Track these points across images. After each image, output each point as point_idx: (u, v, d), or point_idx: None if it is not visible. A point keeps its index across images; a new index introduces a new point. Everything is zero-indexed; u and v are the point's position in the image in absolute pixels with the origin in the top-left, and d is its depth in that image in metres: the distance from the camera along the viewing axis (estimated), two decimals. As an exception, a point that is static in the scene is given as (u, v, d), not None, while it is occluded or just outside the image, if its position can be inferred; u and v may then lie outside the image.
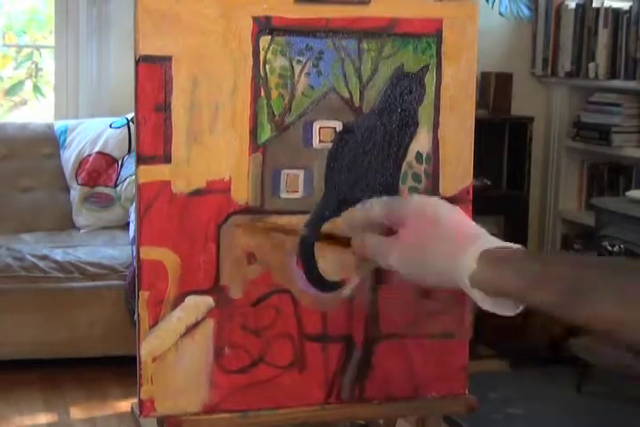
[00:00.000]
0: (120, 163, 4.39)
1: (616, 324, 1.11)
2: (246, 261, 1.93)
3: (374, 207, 1.37)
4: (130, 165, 4.26)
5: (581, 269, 1.19)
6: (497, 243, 1.31)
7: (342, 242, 1.52)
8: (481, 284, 1.25)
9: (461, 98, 2.00)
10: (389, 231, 1.35)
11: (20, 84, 5.00)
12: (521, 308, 1.26)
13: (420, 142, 1.99)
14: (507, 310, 1.27)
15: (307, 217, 1.95)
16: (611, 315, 1.11)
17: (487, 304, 1.27)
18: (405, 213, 1.32)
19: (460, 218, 1.33)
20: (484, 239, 1.30)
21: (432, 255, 1.30)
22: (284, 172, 1.94)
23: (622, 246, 3.74)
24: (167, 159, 1.86)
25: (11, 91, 5.02)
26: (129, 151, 4.36)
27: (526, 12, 4.53)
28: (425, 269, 1.33)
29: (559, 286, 1.17)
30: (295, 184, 1.94)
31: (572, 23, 4.75)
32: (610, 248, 3.80)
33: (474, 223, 1.34)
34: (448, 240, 1.29)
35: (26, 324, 3.84)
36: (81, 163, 4.41)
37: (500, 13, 4.49)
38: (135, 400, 1.94)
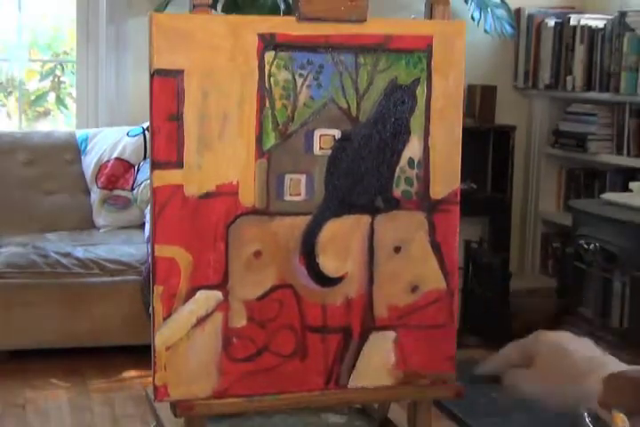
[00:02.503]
0: (136, 168, 4.38)
1: None
2: (253, 259, 1.93)
3: (511, 352, 1.38)
4: (145, 170, 4.26)
5: None
6: (623, 367, 1.29)
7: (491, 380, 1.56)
8: (609, 407, 1.25)
9: (450, 108, 2.00)
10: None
11: (44, 95, 4.99)
12: None
13: (412, 149, 1.98)
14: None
15: (309, 218, 1.95)
16: None
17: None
18: (536, 352, 1.33)
19: (586, 348, 1.33)
20: (610, 366, 1.28)
21: (561, 384, 1.30)
22: (288, 176, 1.93)
23: (597, 245, 3.74)
24: (180, 165, 1.86)
25: (36, 102, 5.01)
26: (144, 157, 4.35)
27: (509, 29, 4.52)
28: (555, 395, 1.32)
29: None
30: (298, 188, 1.94)
31: (552, 40, 4.75)
32: (586, 246, 3.80)
33: (600, 352, 1.33)
34: (575, 370, 1.28)
35: (50, 316, 3.84)
36: (100, 168, 4.40)
37: (485, 31, 4.48)
38: (150, 386, 1.93)
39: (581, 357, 1.31)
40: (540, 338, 1.38)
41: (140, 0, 4.49)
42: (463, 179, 2.07)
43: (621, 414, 1.24)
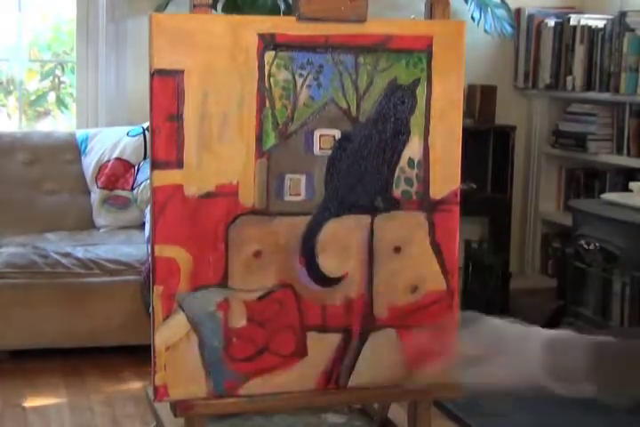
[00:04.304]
0: (136, 168, 4.38)
1: None
2: (253, 259, 1.93)
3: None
4: (145, 170, 4.25)
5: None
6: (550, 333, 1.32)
7: None
8: (551, 370, 1.26)
9: (450, 108, 2.00)
10: None
11: (44, 95, 4.99)
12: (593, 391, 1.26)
13: (412, 149, 1.99)
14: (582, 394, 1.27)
15: (309, 218, 1.95)
16: None
17: (562, 391, 1.28)
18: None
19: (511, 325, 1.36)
20: (541, 335, 1.31)
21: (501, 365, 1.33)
22: (288, 176, 1.93)
23: (597, 244, 3.74)
24: (179, 165, 1.86)
25: (36, 102, 5.01)
26: (144, 157, 4.35)
27: (509, 29, 4.52)
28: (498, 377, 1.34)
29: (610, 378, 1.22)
30: (298, 188, 1.94)
31: (551, 40, 4.74)
32: (586, 246, 3.80)
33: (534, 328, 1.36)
34: (512, 347, 1.32)
35: (50, 316, 3.83)
36: (100, 168, 4.40)
37: (485, 31, 4.48)
38: (150, 386, 1.93)
39: (512, 331, 1.34)
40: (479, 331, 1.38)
41: (140, 0, 4.49)
42: (463, 179, 2.07)
43: None
